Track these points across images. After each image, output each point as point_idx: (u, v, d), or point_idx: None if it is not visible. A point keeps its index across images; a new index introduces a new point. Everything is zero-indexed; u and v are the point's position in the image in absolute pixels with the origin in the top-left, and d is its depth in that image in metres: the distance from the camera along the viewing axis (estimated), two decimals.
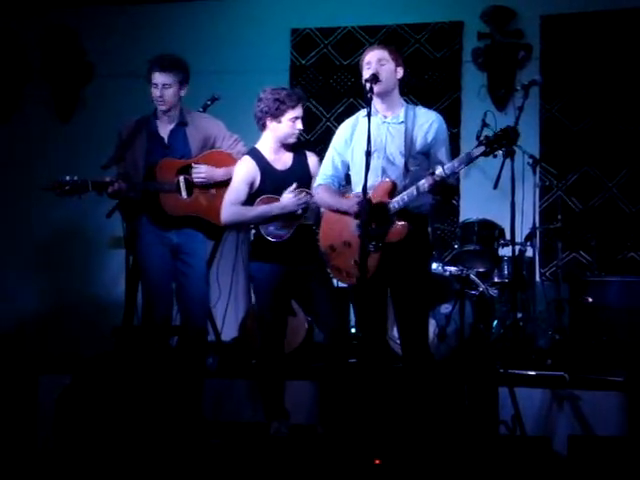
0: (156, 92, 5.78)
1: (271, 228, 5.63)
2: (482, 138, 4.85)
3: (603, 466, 5.19)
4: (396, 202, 5.03)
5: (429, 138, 5.16)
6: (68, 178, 5.71)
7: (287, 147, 5.79)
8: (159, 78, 5.75)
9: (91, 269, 8.53)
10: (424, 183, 4.93)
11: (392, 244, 5.04)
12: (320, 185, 5.41)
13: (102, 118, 8.37)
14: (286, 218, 5.62)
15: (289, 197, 5.61)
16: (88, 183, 5.71)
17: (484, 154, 4.81)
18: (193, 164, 5.82)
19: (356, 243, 5.08)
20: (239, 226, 6.11)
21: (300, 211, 5.61)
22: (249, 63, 8.37)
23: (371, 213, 4.94)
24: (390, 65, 5.18)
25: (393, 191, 5.08)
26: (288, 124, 5.69)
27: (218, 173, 5.83)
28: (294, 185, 5.64)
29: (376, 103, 5.20)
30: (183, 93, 5.85)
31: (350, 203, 5.15)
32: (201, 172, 5.81)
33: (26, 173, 8.62)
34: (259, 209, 5.64)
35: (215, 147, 5.95)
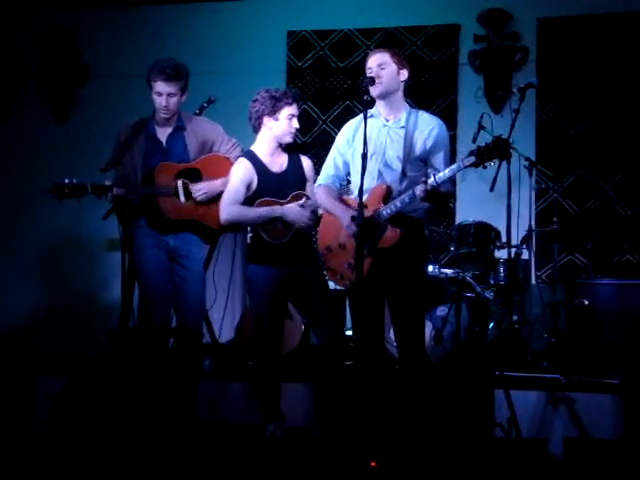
0: (161, 101, 5.74)
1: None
2: (474, 148, 4.86)
3: (599, 469, 5.20)
4: (388, 207, 5.04)
5: (428, 144, 5.16)
6: (67, 181, 5.69)
7: (282, 149, 5.79)
8: (164, 88, 5.70)
9: (88, 271, 8.53)
10: (416, 190, 4.94)
11: (385, 249, 5.05)
12: (321, 185, 5.42)
13: (98, 119, 8.40)
14: (285, 222, 5.63)
15: (296, 209, 5.61)
16: (87, 186, 5.70)
17: (474, 165, 4.83)
18: (191, 186, 5.80)
19: (351, 245, 5.08)
20: (237, 227, 6.10)
21: (298, 225, 5.60)
22: (245, 65, 8.38)
23: (366, 219, 4.93)
24: (392, 68, 5.17)
25: (388, 196, 5.08)
26: (285, 122, 5.69)
27: (217, 185, 5.81)
28: (304, 199, 5.64)
29: (379, 105, 5.22)
30: (184, 99, 5.83)
31: (344, 214, 5.15)
32: (202, 190, 5.79)
33: (22, 174, 8.63)
34: (260, 210, 5.64)
35: (213, 151, 5.94)
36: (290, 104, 5.69)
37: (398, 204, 5.01)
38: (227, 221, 5.75)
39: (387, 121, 5.23)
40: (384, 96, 5.18)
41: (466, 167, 4.87)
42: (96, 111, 8.60)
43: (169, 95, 5.73)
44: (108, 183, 5.73)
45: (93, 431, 5.81)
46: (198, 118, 6.15)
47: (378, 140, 5.17)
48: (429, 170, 5.07)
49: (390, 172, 5.16)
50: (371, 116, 5.16)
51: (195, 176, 5.84)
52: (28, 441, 6.13)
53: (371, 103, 5.15)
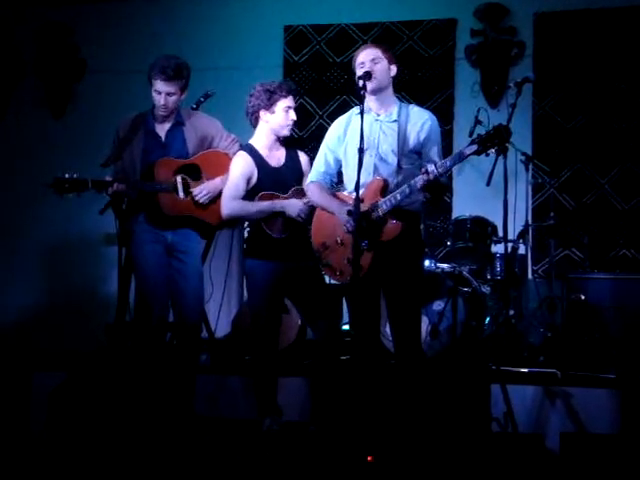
0: (160, 100, 5.72)
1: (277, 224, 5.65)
2: (475, 137, 4.85)
3: (595, 463, 5.20)
4: (388, 200, 5.02)
5: (421, 137, 5.16)
6: (67, 175, 5.67)
7: (280, 143, 5.79)
8: (163, 87, 5.69)
9: (85, 266, 8.52)
10: (417, 181, 4.93)
11: (385, 242, 5.05)
12: (312, 182, 5.41)
13: (95, 114, 8.40)
14: (286, 217, 5.62)
15: (298, 203, 5.60)
16: (88, 181, 5.68)
17: (476, 153, 4.81)
18: (192, 189, 5.79)
19: (349, 241, 5.07)
20: (236, 222, 6.10)
21: (299, 219, 5.59)
22: (242, 60, 8.38)
23: (363, 213, 4.93)
24: (384, 63, 5.18)
25: (385, 189, 5.08)
26: (281, 114, 5.69)
27: (217, 184, 5.80)
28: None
29: (369, 101, 5.20)
30: (184, 97, 5.82)
31: (340, 209, 5.14)
32: (203, 192, 5.78)
33: (20, 170, 8.64)
34: (261, 204, 5.64)
35: (212, 146, 5.92)
36: (285, 96, 5.68)
37: (398, 196, 5.00)
38: (228, 216, 5.74)
39: (378, 115, 5.23)
40: (377, 91, 5.18)
41: (467, 156, 4.85)
42: (93, 106, 8.60)
43: (168, 94, 5.72)
44: (108, 178, 5.73)
45: (91, 426, 5.81)
46: (197, 113, 6.12)
47: (371, 135, 5.16)
48: (425, 162, 5.06)
49: (386, 166, 5.15)
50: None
51: (194, 172, 5.84)
52: (25, 436, 6.13)
53: (362, 98, 5.14)
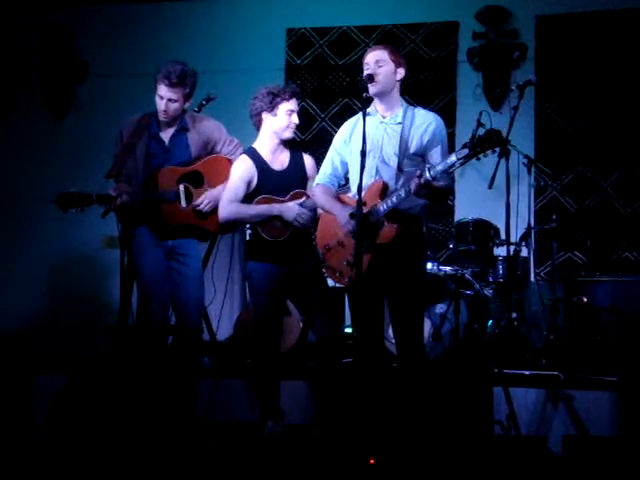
0: (161, 105, 5.70)
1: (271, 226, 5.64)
2: (467, 141, 4.84)
3: (597, 466, 5.20)
4: (385, 203, 5.02)
5: (425, 140, 5.14)
6: (72, 190, 5.66)
7: (285, 146, 5.79)
8: (166, 93, 5.67)
9: (85, 269, 8.52)
10: (411, 185, 4.92)
11: (383, 245, 5.05)
12: (319, 185, 5.41)
13: (97, 117, 8.40)
14: (284, 221, 5.62)
15: (294, 207, 5.60)
16: (92, 197, 5.66)
17: (468, 157, 4.79)
18: (194, 200, 5.77)
19: (349, 243, 5.07)
20: (235, 225, 6.09)
21: (296, 223, 5.60)
22: (244, 63, 8.39)
23: (363, 215, 4.93)
24: (389, 66, 5.15)
25: (385, 191, 5.07)
26: (284, 117, 5.69)
27: (219, 192, 5.78)
28: (304, 198, 5.65)
29: (376, 103, 5.21)
30: (188, 104, 5.81)
31: (341, 212, 5.14)
32: (205, 202, 5.77)
33: (21, 173, 8.64)
34: (258, 208, 5.64)
35: (215, 151, 5.91)
36: (288, 99, 5.69)
37: (395, 199, 5.00)
38: (225, 219, 5.74)
39: (383, 118, 5.22)
40: (380, 95, 5.17)
41: (460, 160, 4.81)
42: (95, 109, 8.60)
43: (169, 100, 5.70)
44: (112, 192, 5.70)
45: (93, 430, 5.80)
46: (202, 117, 6.03)
47: (375, 137, 5.16)
48: (426, 165, 5.05)
49: (387, 169, 5.15)
50: (368, 114, 5.14)
51: (197, 179, 5.83)
52: (29, 440, 6.13)
53: (369, 100, 5.14)
